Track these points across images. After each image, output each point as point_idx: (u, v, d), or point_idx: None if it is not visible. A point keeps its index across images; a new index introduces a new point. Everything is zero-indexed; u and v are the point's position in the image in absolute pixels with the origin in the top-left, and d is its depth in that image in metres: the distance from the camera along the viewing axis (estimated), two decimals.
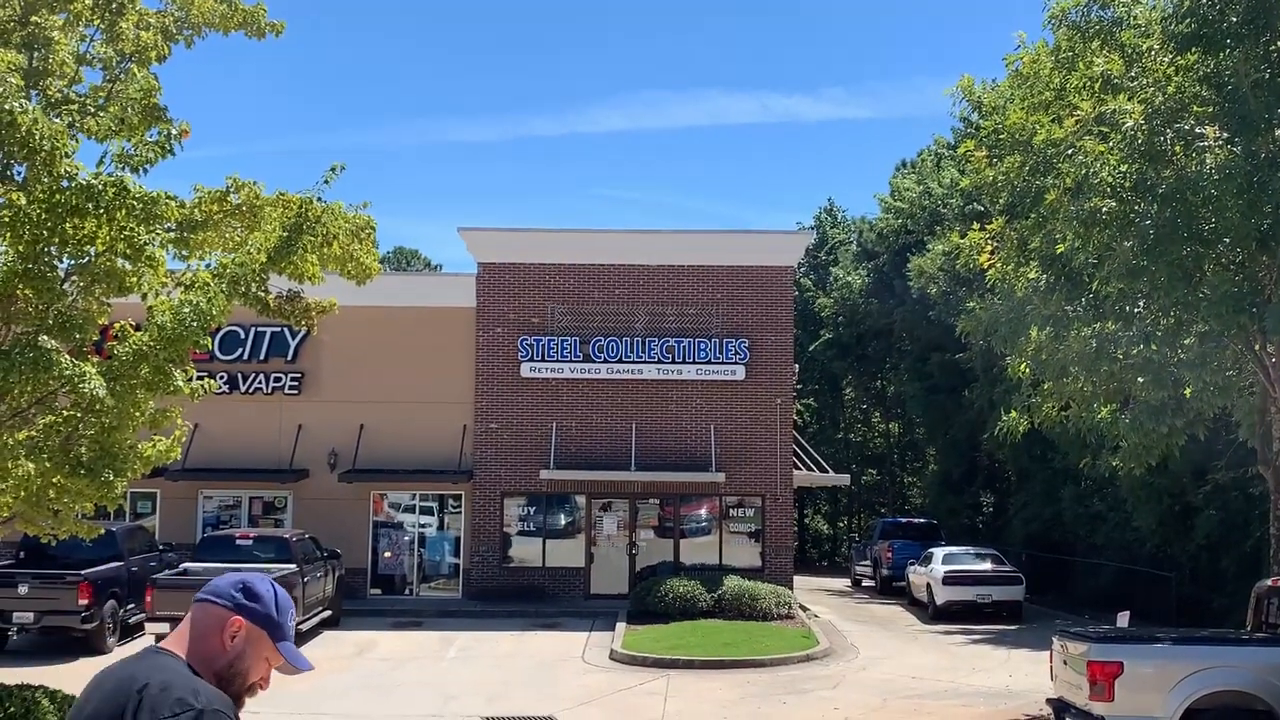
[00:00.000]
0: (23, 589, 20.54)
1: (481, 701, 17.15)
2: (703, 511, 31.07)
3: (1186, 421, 15.85)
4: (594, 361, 30.30)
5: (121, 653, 20.93)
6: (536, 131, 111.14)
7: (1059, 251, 15.74)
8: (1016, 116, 16.26)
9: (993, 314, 17.20)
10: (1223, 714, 12.18)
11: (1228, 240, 14.95)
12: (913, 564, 32.84)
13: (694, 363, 30.30)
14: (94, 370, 9.92)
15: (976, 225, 18.80)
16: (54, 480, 10.38)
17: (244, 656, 3.16)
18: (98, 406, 10.05)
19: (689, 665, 21.23)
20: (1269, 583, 13.99)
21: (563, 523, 31.02)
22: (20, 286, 9.95)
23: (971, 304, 18.86)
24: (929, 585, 30.24)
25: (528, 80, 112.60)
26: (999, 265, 17.40)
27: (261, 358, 30.38)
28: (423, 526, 31.27)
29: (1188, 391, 15.57)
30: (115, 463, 10.38)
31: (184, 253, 11.66)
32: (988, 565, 30.56)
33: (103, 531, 12.23)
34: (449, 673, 20.20)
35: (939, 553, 31.10)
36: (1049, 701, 14.22)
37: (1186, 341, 15.45)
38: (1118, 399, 16.86)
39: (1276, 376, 15.50)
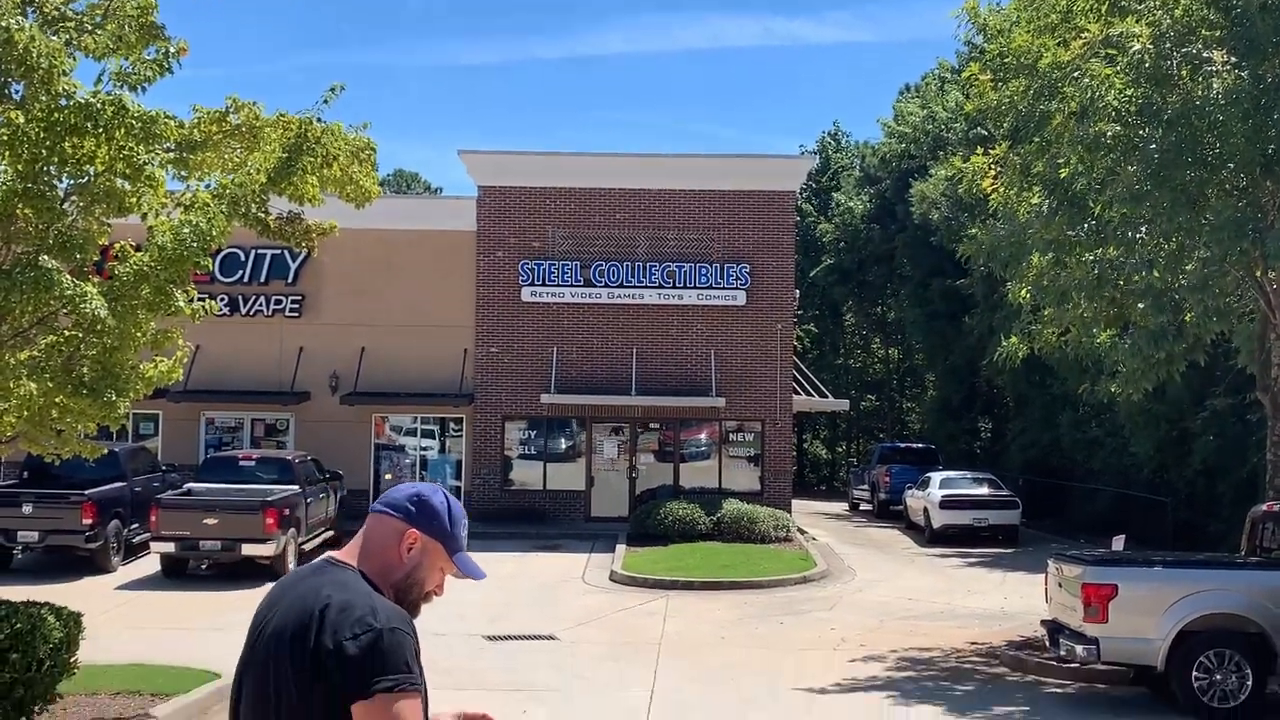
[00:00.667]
0: (27, 509, 20.69)
1: (484, 621, 17.35)
2: (702, 436, 31.21)
3: (1186, 347, 15.85)
4: (595, 286, 30.26)
5: (126, 572, 21.26)
6: (537, 54, 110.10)
7: (1062, 176, 15.65)
8: (1022, 39, 16.08)
9: (994, 238, 17.13)
10: (1215, 636, 12.33)
11: (1232, 165, 14.86)
12: (910, 488, 33.05)
13: (695, 288, 30.25)
14: (95, 290, 9.92)
15: (980, 150, 18.66)
16: (56, 400, 10.42)
17: (420, 567, 3.21)
18: (99, 327, 10.06)
19: (688, 586, 21.45)
20: (1264, 508, 14.10)
21: (563, 447, 31.18)
22: (20, 206, 9.92)
23: (973, 229, 18.79)
24: (926, 509, 30.47)
25: (528, 2, 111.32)
26: (1001, 190, 17.29)
27: (262, 280, 30.35)
28: (424, 449, 31.45)
29: (1188, 317, 15.56)
30: (117, 383, 10.41)
31: (183, 173, 11.61)
32: (985, 490, 30.77)
33: (106, 452, 12.29)
34: (451, 592, 20.35)
35: (936, 477, 31.30)
36: (1043, 623, 14.39)
37: (1188, 267, 15.41)
38: (1118, 324, 16.85)
39: (1277, 303, 15.49)
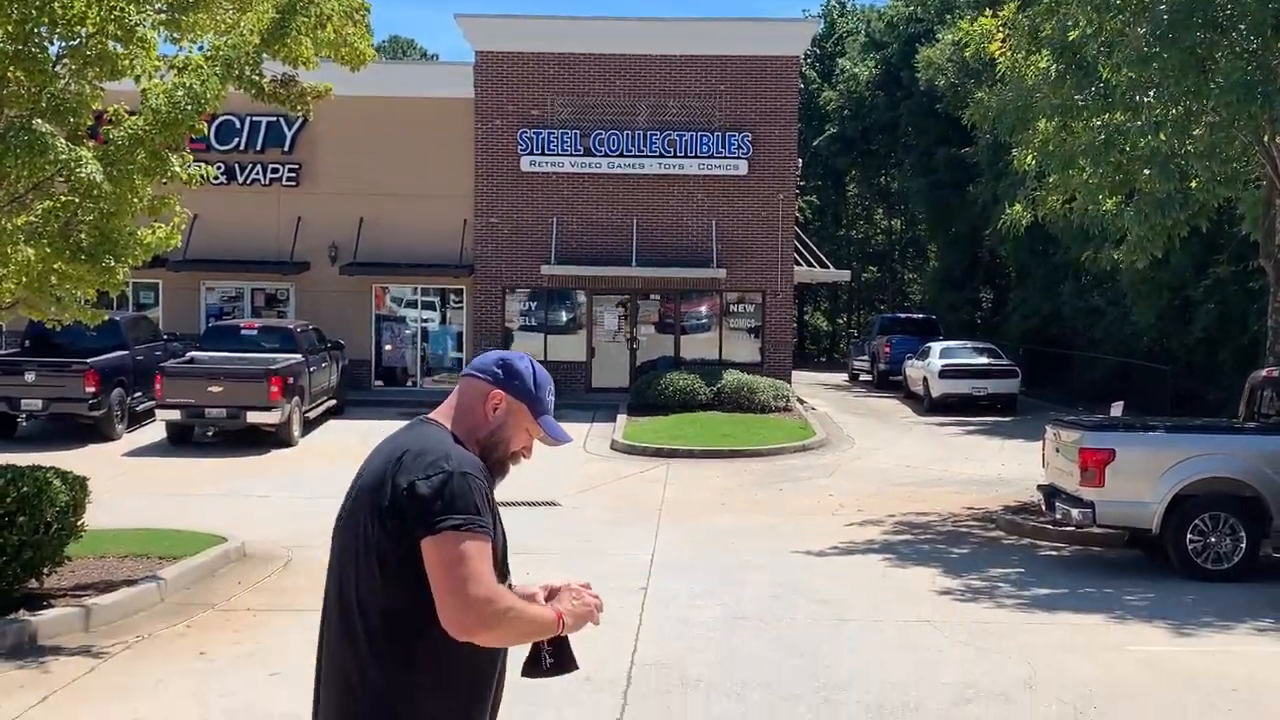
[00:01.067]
0: (30, 376, 20.78)
1: None
2: (703, 308, 31.21)
3: (1191, 214, 15.73)
4: (595, 155, 29.97)
5: (131, 440, 21.44)
6: None
7: (1070, 39, 15.36)
8: None
9: (1001, 102, 16.88)
10: (1210, 500, 12.46)
11: (1242, 27, 14.58)
12: (910, 358, 33.13)
13: (696, 156, 29.96)
14: (90, 155, 9.81)
15: (988, 12, 18.31)
16: (55, 266, 10.38)
17: (505, 427, 3.38)
18: (95, 192, 9.96)
19: (688, 455, 21.65)
20: (1263, 373, 14.13)
21: (564, 318, 31.21)
22: (11, 68, 9.76)
23: (980, 94, 18.52)
24: (925, 379, 30.60)
25: None
26: (1009, 54, 17.00)
27: (258, 148, 30.05)
28: (425, 321, 31.47)
29: (1194, 183, 15.42)
30: (115, 249, 10.35)
31: (175, 35, 11.37)
32: (984, 359, 30.86)
33: (107, 319, 12.28)
34: None
35: (936, 347, 31.36)
36: (1040, 488, 14.53)
37: (1195, 133, 15.21)
38: (1123, 191, 16.70)
39: None
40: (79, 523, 10.28)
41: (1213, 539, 12.36)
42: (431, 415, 3.41)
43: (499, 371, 3.41)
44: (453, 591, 3.01)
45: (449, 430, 3.32)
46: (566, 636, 3.33)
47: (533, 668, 3.36)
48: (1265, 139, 15.21)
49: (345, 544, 3.23)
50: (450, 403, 3.43)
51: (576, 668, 3.41)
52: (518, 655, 3.34)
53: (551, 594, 3.36)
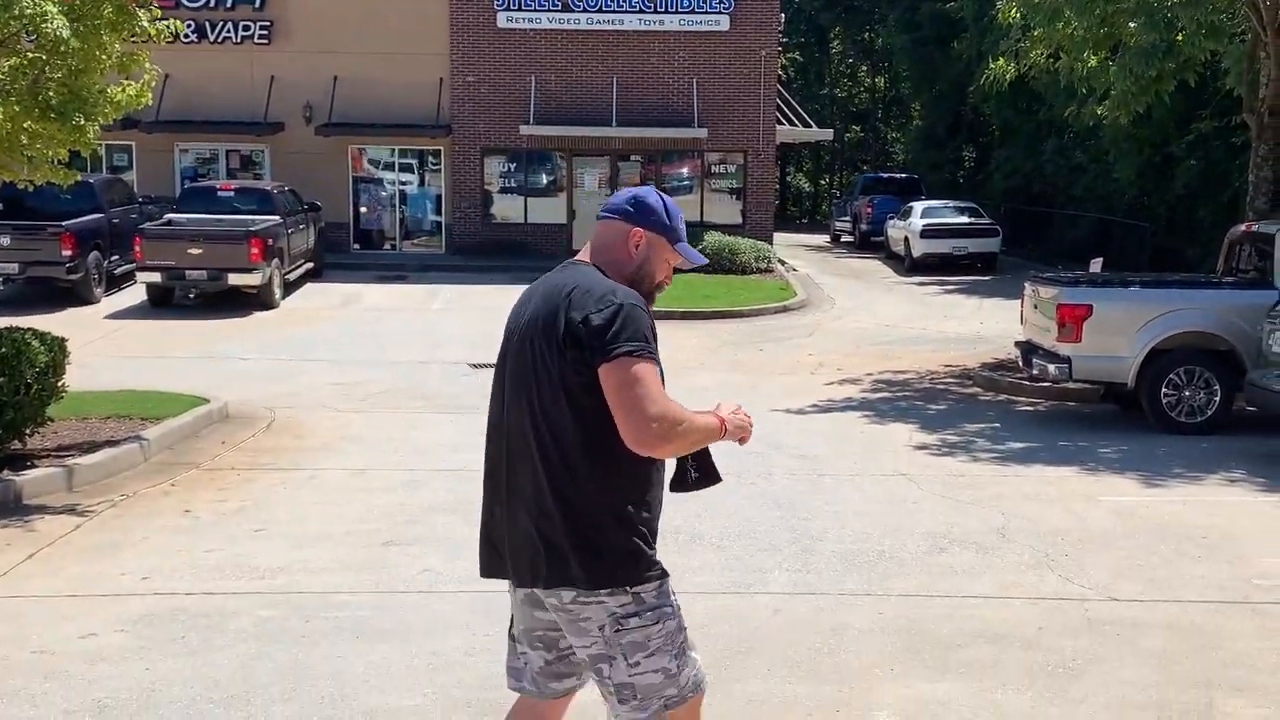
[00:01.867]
0: (4, 240, 20.59)
1: (467, 349, 17.59)
2: (684, 170, 30.97)
3: (1176, 66, 15.59)
4: (573, 11, 29.42)
5: (111, 303, 21.36)
6: None
7: None
8: None
9: None
10: (1185, 354, 12.57)
11: None
12: (892, 218, 33.07)
13: (676, 12, 29.44)
14: (56, 9, 9.58)
15: None
16: (24, 125, 10.20)
17: (648, 260, 3.60)
18: (62, 48, 9.76)
19: (668, 316, 21.57)
20: (1242, 228, 14.12)
21: (544, 181, 30.94)
22: None
23: None
24: (906, 239, 30.58)
25: None
26: None
27: (229, 5, 29.39)
28: (403, 184, 31.16)
29: (1179, 36, 15.23)
30: (85, 106, 10.17)
31: None
32: (965, 218, 30.82)
33: (80, 179, 12.12)
34: (435, 323, 20.62)
35: (918, 206, 31.28)
36: (1017, 344, 14.64)
37: None
38: (1108, 45, 16.50)
39: (1269, 20, 15.14)
40: (59, 384, 10.28)
41: (1187, 393, 12.50)
42: (577, 258, 3.61)
43: (631, 209, 3.59)
44: (631, 410, 3.25)
45: (597, 268, 3.53)
46: (709, 450, 3.59)
47: (679, 483, 3.63)
48: None
49: (517, 371, 3.48)
50: (593, 245, 3.62)
51: (720, 479, 3.66)
52: None
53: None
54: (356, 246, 30.43)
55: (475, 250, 29.57)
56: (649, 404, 3.25)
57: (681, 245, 3.65)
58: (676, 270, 3.69)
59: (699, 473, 3.61)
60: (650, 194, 3.65)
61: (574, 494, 3.36)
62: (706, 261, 3.81)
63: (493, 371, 3.66)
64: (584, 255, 3.60)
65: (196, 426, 12.01)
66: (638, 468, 3.39)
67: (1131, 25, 15.25)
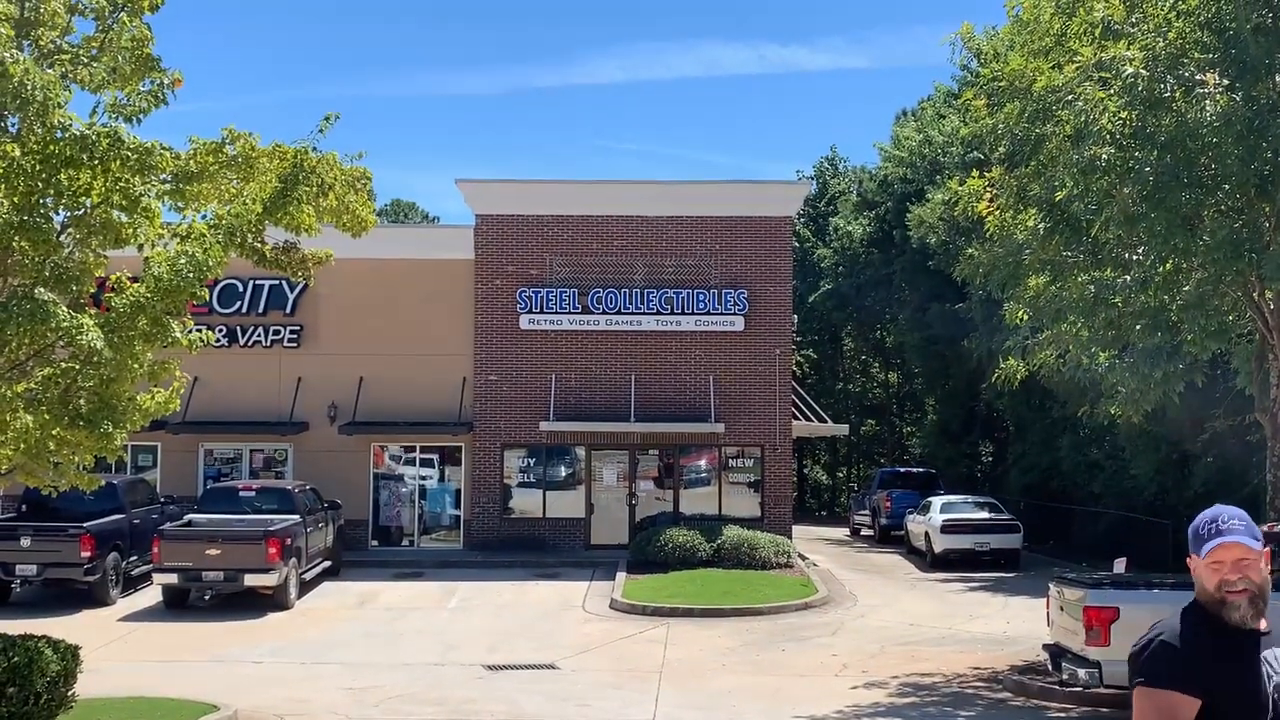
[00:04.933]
0: (25, 541, 20.65)
1: (483, 650, 17.28)
2: (702, 462, 31.16)
3: (1184, 367, 15.86)
4: (593, 313, 30.28)
5: (127, 604, 21.18)
6: (534, 83, 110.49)
7: (1058, 199, 15.66)
8: (1017, 63, 16.11)
9: (992, 258, 17.14)
10: None
11: (1227, 187, 14.87)
12: (911, 513, 32.96)
13: (693, 314, 30.28)
14: (92, 322, 9.93)
15: (976, 173, 18.70)
16: (53, 432, 10.41)
17: (1200, 580, 3.83)
18: (95, 359, 10.06)
19: (689, 614, 21.37)
20: (1264, 529, 14.03)
21: (563, 474, 31.10)
22: (16, 239, 9.93)
23: (971, 250, 18.80)
24: (927, 534, 30.38)
25: (524, 32, 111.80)
26: (997, 213, 17.31)
27: (260, 311, 30.36)
28: (423, 479, 31.35)
29: (1186, 337, 15.56)
30: (114, 414, 10.41)
31: (180, 204, 11.61)
32: (985, 514, 30.69)
33: (104, 484, 12.26)
34: (451, 622, 20.34)
35: (937, 501, 31.22)
36: (1045, 647, 14.33)
37: (1185, 288, 15.41)
38: (1116, 345, 16.84)
39: (1274, 324, 15.48)
40: (70, 693, 10.11)
41: None
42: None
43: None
44: None
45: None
46: None
47: None
48: (1255, 295, 15.40)
49: None
50: None
51: None
52: None
53: None
54: (375, 543, 30.37)
55: (493, 545, 29.47)
56: None
57: (1204, 548, 3.80)
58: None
59: None
60: (1198, 518, 3.84)
61: None
62: (1225, 540, 3.85)
63: None
64: None
65: None
66: None
67: (1137, 327, 15.59)
